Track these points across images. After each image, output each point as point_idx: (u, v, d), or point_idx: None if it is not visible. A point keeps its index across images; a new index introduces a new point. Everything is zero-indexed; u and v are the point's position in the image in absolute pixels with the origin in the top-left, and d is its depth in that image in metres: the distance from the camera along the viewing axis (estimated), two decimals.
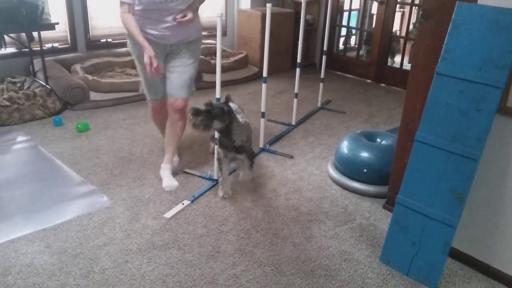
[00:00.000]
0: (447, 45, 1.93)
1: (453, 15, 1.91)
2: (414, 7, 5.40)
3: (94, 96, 4.21)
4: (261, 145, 3.46)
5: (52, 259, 2.13)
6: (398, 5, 5.46)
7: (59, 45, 4.67)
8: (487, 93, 1.84)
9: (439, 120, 1.96)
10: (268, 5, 3.08)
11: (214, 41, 5.74)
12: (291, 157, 3.37)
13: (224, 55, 5.44)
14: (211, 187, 2.86)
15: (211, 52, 5.54)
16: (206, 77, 4.93)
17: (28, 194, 2.71)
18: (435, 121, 1.97)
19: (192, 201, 2.68)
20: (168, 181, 2.86)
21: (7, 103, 3.71)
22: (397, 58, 5.61)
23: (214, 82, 2.79)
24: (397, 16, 5.75)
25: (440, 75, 1.95)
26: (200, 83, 4.91)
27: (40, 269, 2.06)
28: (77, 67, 4.45)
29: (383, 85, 5.55)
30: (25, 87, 4.09)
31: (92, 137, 3.56)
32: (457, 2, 1.91)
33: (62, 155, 3.22)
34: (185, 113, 2.83)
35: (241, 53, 5.57)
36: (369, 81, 5.69)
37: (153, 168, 3.06)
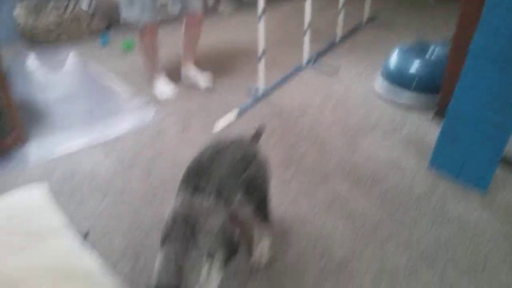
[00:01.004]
0: None
1: None
2: None
3: None
4: (305, 61, 3.40)
5: (112, 167, 2.28)
6: None
7: None
8: None
9: (496, 30, 1.84)
10: None
11: None
12: (337, 72, 3.31)
13: None
14: (257, 100, 2.89)
15: None
16: None
17: (81, 110, 2.84)
18: (491, 31, 1.86)
19: (239, 114, 2.73)
20: (202, 76, 3.05)
21: (54, 25, 3.78)
22: None
23: None
24: None
25: None
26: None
27: (103, 174, 2.21)
28: None
29: None
30: (70, 9, 4.12)
31: (138, 54, 3.60)
32: None
33: (111, 72, 3.31)
34: (202, 21, 2.96)
35: None
36: None
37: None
